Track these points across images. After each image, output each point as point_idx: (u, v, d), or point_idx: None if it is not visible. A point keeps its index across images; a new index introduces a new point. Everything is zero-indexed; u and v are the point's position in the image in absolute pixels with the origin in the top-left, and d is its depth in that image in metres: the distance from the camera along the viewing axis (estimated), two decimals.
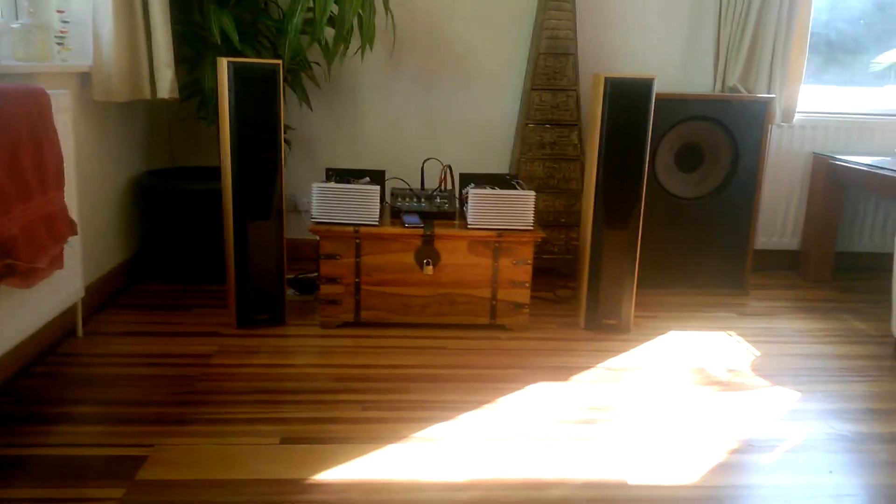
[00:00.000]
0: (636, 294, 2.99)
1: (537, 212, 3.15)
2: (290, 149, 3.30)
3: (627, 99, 2.50)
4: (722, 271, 3.15)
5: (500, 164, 3.42)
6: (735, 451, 1.87)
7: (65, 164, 2.14)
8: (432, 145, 3.37)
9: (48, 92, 2.02)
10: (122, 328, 2.51)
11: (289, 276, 3.04)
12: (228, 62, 2.36)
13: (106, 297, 2.73)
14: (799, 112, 3.37)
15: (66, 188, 2.09)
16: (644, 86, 2.49)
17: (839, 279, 3.43)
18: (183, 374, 2.17)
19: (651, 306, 2.96)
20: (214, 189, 2.86)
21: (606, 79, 2.49)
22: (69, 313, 2.36)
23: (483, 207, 2.52)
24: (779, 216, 3.48)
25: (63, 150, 2.14)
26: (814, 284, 3.35)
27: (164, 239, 2.96)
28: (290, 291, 2.88)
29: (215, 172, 3.19)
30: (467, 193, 2.59)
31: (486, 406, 2.05)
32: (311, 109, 3.28)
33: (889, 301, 3.13)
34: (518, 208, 2.53)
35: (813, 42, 3.42)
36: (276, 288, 2.55)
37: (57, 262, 1.99)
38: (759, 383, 2.27)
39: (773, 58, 3.22)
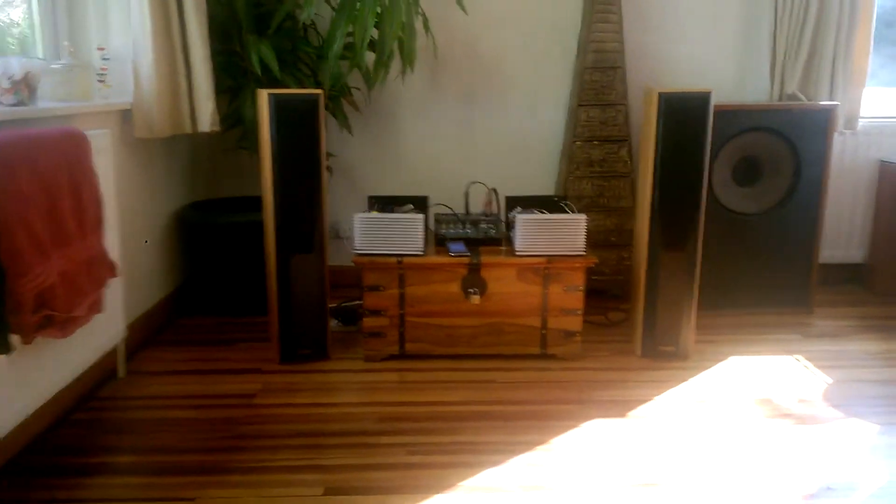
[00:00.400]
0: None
1: (587, 232, 3.02)
2: (331, 175, 3.25)
3: (683, 114, 2.37)
4: (784, 289, 2.98)
5: (546, 183, 3.31)
6: (813, 497, 1.72)
7: (106, 203, 2.12)
8: (475, 166, 3.28)
9: (87, 133, 2.00)
10: (165, 366, 2.48)
11: (331, 305, 2.98)
12: (269, 94, 2.32)
13: (149, 333, 2.71)
14: (862, 118, 3.18)
15: (106, 228, 2.07)
16: (700, 100, 2.36)
17: None
18: (225, 417, 2.11)
19: (709, 329, 2.82)
20: (256, 221, 2.82)
21: (660, 94, 2.36)
22: (111, 354, 2.34)
23: (531, 233, 2.42)
24: (843, 228, 3.29)
25: (104, 189, 2.11)
26: (883, 300, 3.15)
27: (207, 271, 2.93)
28: (333, 322, 2.82)
29: (259, 203, 3.16)
30: (514, 218, 2.50)
31: (539, 448, 1.94)
32: (352, 135, 3.22)
33: None
34: (568, 233, 2.42)
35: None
36: (319, 322, 2.49)
37: (96, 306, 1.96)
38: (833, 415, 2.11)
39: (834, 61, 3.05)
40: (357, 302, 2.99)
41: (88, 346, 2.06)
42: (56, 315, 1.71)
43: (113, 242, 2.18)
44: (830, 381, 2.35)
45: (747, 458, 1.89)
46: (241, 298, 2.94)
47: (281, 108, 2.33)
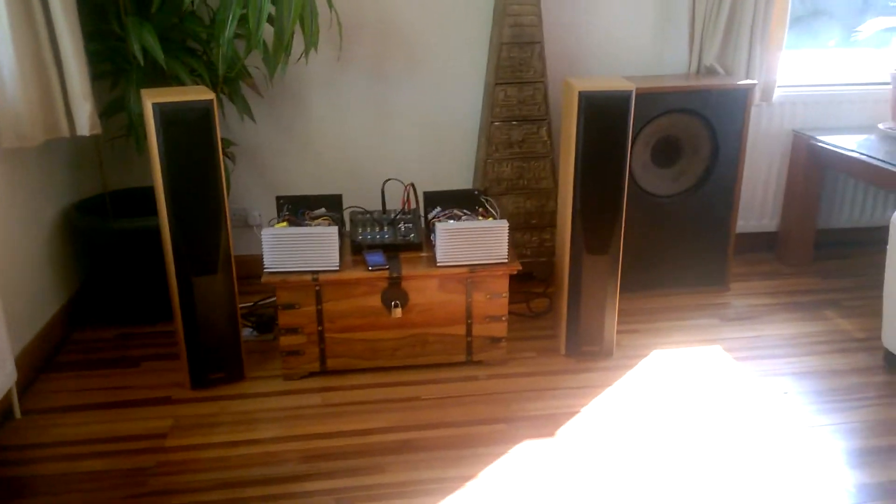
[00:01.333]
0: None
1: (508, 214, 2.93)
2: (234, 164, 3.00)
3: (604, 112, 2.26)
4: (702, 267, 3.00)
5: (464, 167, 3.17)
6: None
7: None
8: (391, 149, 3.10)
9: None
10: (65, 399, 2.28)
11: (244, 305, 2.82)
12: (153, 105, 2.06)
13: (44, 357, 2.48)
14: (778, 86, 3.16)
15: None
16: (622, 99, 2.25)
17: (820, 259, 3.32)
18: (135, 467, 1.97)
19: (631, 314, 2.82)
20: (153, 226, 2.58)
21: (581, 93, 2.24)
22: (3, 397, 2.13)
23: (452, 243, 2.31)
24: (757, 197, 3.32)
25: None
26: (794, 270, 3.23)
27: (103, 277, 2.69)
28: (246, 331, 2.66)
29: (153, 196, 2.90)
30: (434, 223, 2.38)
31: (469, 483, 1.90)
32: (255, 121, 2.97)
33: (870, 288, 3.03)
34: (490, 241, 2.32)
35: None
36: (231, 343, 2.33)
37: None
38: (754, 419, 2.15)
39: (752, 32, 2.98)
40: (273, 299, 2.84)
41: None
42: None
43: None
44: (748, 372, 2.40)
45: (676, 480, 1.91)
46: (143, 304, 2.73)
47: (168, 119, 2.08)
